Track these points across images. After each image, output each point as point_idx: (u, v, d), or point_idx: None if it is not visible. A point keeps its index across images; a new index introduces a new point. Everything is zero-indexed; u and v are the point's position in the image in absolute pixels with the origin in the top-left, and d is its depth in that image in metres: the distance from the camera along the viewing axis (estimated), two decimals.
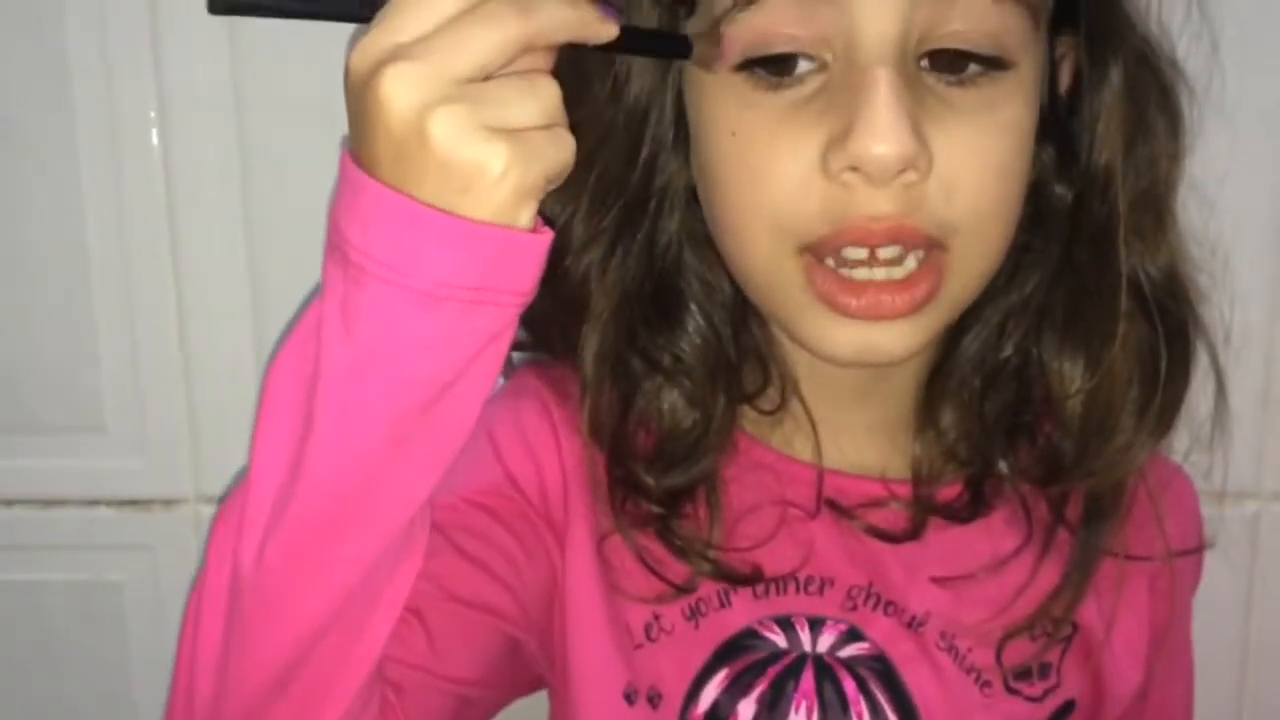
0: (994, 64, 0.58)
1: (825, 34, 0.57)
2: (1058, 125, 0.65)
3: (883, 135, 0.55)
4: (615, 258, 0.66)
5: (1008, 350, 0.68)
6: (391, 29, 0.47)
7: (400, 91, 0.46)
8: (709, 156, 0.62)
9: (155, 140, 0.85)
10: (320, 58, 0.82)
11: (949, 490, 0.69)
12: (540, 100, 0.48)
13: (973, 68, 0.58)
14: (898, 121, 0.55)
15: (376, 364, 0.49)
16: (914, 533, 0.68)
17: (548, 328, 0.69)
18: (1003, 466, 0.68)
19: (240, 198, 0.86)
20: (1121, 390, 0.66)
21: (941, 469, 0.69)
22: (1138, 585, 0.71)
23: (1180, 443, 0.73)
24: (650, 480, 0.66)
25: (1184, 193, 0.69)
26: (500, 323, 0.50)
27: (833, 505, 0.68)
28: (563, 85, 0.50)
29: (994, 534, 0.69)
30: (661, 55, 0.60)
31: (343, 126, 0.82)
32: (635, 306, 0.66)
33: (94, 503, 0.90)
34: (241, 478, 0.55)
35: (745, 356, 0.68)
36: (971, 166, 0.58)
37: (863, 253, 0.59)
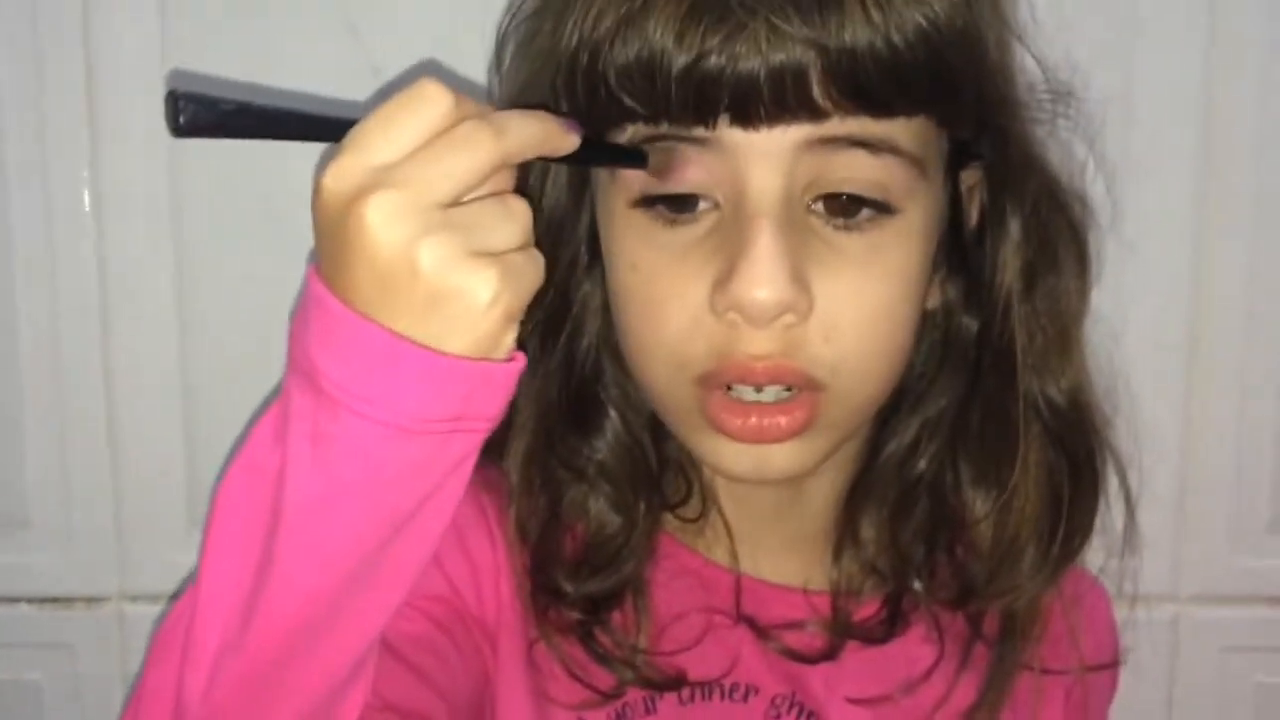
0: (880, 208, 0.60)
1: (719, 179, 0.59)
2: (965, 257, 0.67)
3: (760, 282, 0.57)
4: (538, 365, 0.67)
5: (921, 465, 0.70)
6: (366, 151, 0.47)
7: (386, 222, 0.46)
8: (613, 284, 0.64)
9: (89, 237, 0.85)
10: (262, 156, 0.84)
11: (867, 608, 0.70)
12: (517, 222, 0.49)
13: (862, 212, 0.60)
14: (775, 269, 0.57)
15: (347, 495, 0.49)
16: (830, 654, 0.69)
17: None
18: (918, 585, 0.70)
19: (173, 294, 0.86)
20: (1028, 517, 0.68)
21: (861, 584, 0.70)
22: (1054, 699, 0.72)
23: (1095, 556, 0.74)
24: (570, 587, 0.67)
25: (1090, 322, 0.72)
26: (469, 447, 0.50)
27: (751, 623, 0.69)
28: None
29: (911, 651, 0.70)
30: (618, 166, 0.62)
31: (280, 226, 0.84)
32: (557, 412, 0.67)
33: (15, 600, 0.89)
34: (185, 584, 0.53)
35: (666, 465, 0.70)
36: (852, 310, 0.60)
37: (748, 389, 0.61)
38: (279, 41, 0.84)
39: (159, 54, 0.84)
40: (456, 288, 0.47)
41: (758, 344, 0.59)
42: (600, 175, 0.64)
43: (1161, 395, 0.89)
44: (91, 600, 0.89)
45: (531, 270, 0.49)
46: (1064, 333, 0.68)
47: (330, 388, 0.47)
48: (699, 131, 0.58)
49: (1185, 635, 0.93)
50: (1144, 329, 0.87)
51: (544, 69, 0.62)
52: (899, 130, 0.59)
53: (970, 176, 0.66)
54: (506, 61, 0.69)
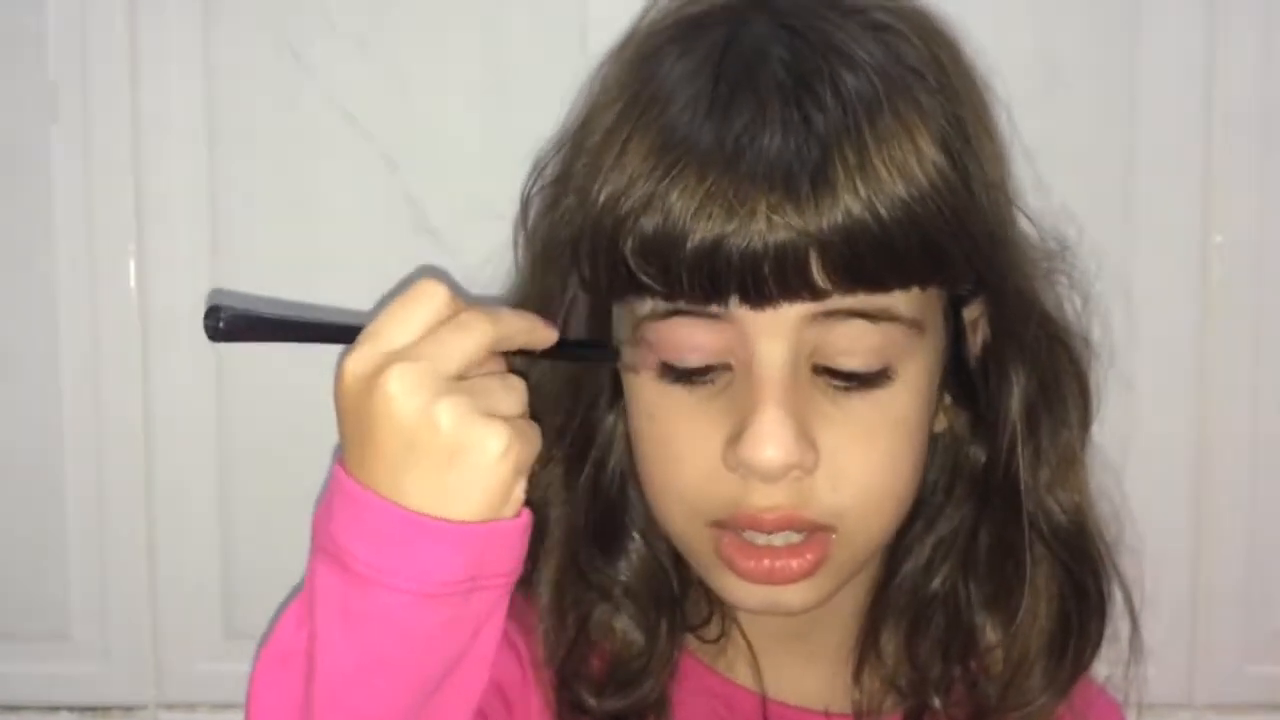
0: (878, 376, 0.63)
1: (731, 347, 0.63)
2: (971, 385, 0.70)
3: (767, 443, 0.61)
4: (566, 491, 0.70)
5: (936, 584, 0.71)
6: (382, 339, 0.53)
7: (407, 390, 0.52)
8: (632, 428, 0.67)
9: (134, 357, 0.89)
10: (299, 281, 0.88)
11: None
12: (517, 393, 0.55)
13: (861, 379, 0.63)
14: (782, 431, 0.61)
15: (380, 664, 0.53)
16: None
17: None
18: (936, 702, 0.71)
19: (213, 414, 0.90)
20: (1037, 638, 0.70)
21: (882, 700, 0.72)
22: None
23: (1103, 666, 0.76)
24: (594, 703, 0.69)
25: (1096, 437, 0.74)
26: (490, 602, 0.54)
27: None
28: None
29: None
30: (592, 362, 0.68)
31: (314, 349, 0.87)
32: (584, 536, 0.70)
33: (56, 708, 0.91)
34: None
35: (688, 587, 0.72)
36: (858, 461, 0.63)
37: (760, 535, 0.64)
38: (318, 174, 0.89)
39: (207, 188, 0.88)
40: (473, 440, 0.52)
41: (768, 497, 0.62)
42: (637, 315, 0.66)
43: (1171, 508, 0.91)
44: (129, 709, 0.91)
45: (534, 434, 0.55)
46: (1067, 461, 0.71)
47: (359, 566, 0.52)
48: (712, 308, 0.61)
49: None
50: (1152, 442, 0.90)
51: (566, 238, 0.66)
52: (897, 299, 0.62)
53: (973, 310, 0.69)
54: (531, 220, 0.72)
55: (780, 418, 0.61)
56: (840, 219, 0.59)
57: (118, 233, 0.89)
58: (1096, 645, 0.72)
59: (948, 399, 0.69)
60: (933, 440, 0.69)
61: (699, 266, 0.60)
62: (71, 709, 0.91)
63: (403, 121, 0.89)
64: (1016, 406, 0.68)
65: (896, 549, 0.71)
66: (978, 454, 0.71)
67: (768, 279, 0.60)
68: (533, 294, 0.70)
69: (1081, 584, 0.71)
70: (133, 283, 0.89)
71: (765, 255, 0.59)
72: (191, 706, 0.91)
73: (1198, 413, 0.91)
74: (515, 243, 0.73)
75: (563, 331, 0.60)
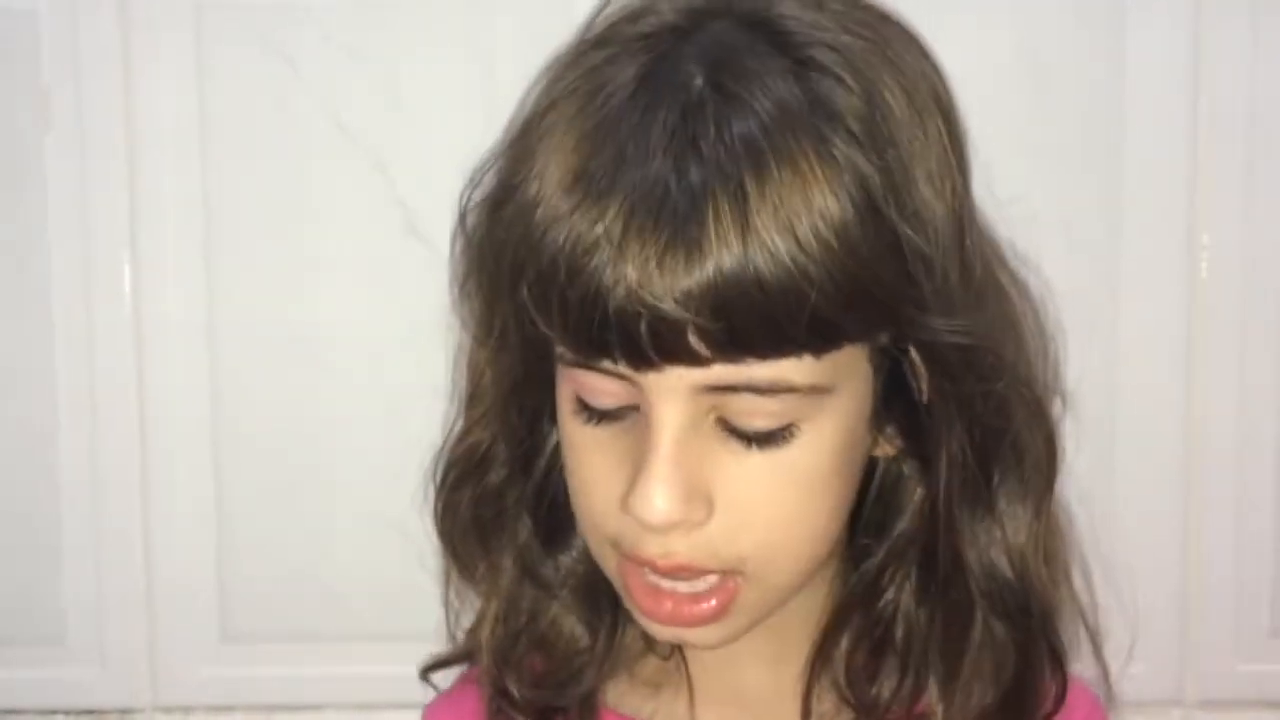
0: (781, 434, 0.59)
1: (632, 396, 0.59)
2: (917, 423, 0.64)
3: (651, 501, 0.58)
4: (517, 490, 0.69)
5: (890, 593, 0.67)
6: None
7: None
8: (560, 442, 0.65)
9: (129, 361, 0.90)
10: (294, 285, 0.88)
11: None
12: None
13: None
14: (667, 490, 0.58)
15: None
16: None
17: (469, 549, 0.72)
18: None
19: (209, 417, 0.90)
20: (976, 700, 0.66)
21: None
22: None
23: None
24: (528, 696, 0.68)
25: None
26: None
27: None
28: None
29: None
30: None
31: (311, 351, 0.88)
32: (532, 534, 0.69)
33: (52, 712, 0.92)
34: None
35: None
36: (758, 514, 0.60)
37: (663, 580, 0.61)
38: (311, 180, 0.89)
39: (200, 191, 0.89)
40: None
41: (660, 546, 0.60)
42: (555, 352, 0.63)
43: (1162, 506, 0.92)
44: (125, 712, 0.92)
45: None
46: (1016, 517, 0.65)
47: None
48: (605, 365, 0.58)
49: None
50: (1139, 445, 0.90)
51: (488, 264, 0.63)
52: (788, 369, 0.57)
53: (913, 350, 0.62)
54: (469, 230, 0.67)
55: (668, 475, 0.58)
56: (710, 277, 0.54)
57: (112, 237, 0.89)
58: (1040, 708, 0.68)
59: (890, 430, 0.64)
60: (873, 460, 0.65)
61: (581, 323, 0.56)
62: (68, 713, 0.92)
63: (394, 127, 0.89)
64: (952, 457, 0.63)
65: (854, 547, 0.68)
66: (918, 490, 0.66)
67: (647, 344, 0.55)
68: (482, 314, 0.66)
69: (1026, 652, 0.66)
70: (128, 287, 0.90)
71: (642, 321, 0.55)
72: (187, 710, 0.92)
73: (1186, 410, 0.91)
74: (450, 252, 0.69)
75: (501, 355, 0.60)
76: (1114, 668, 0.78)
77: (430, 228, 0.89)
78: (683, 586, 0.61)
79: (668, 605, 0.62)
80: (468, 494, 0.70)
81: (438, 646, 0.76)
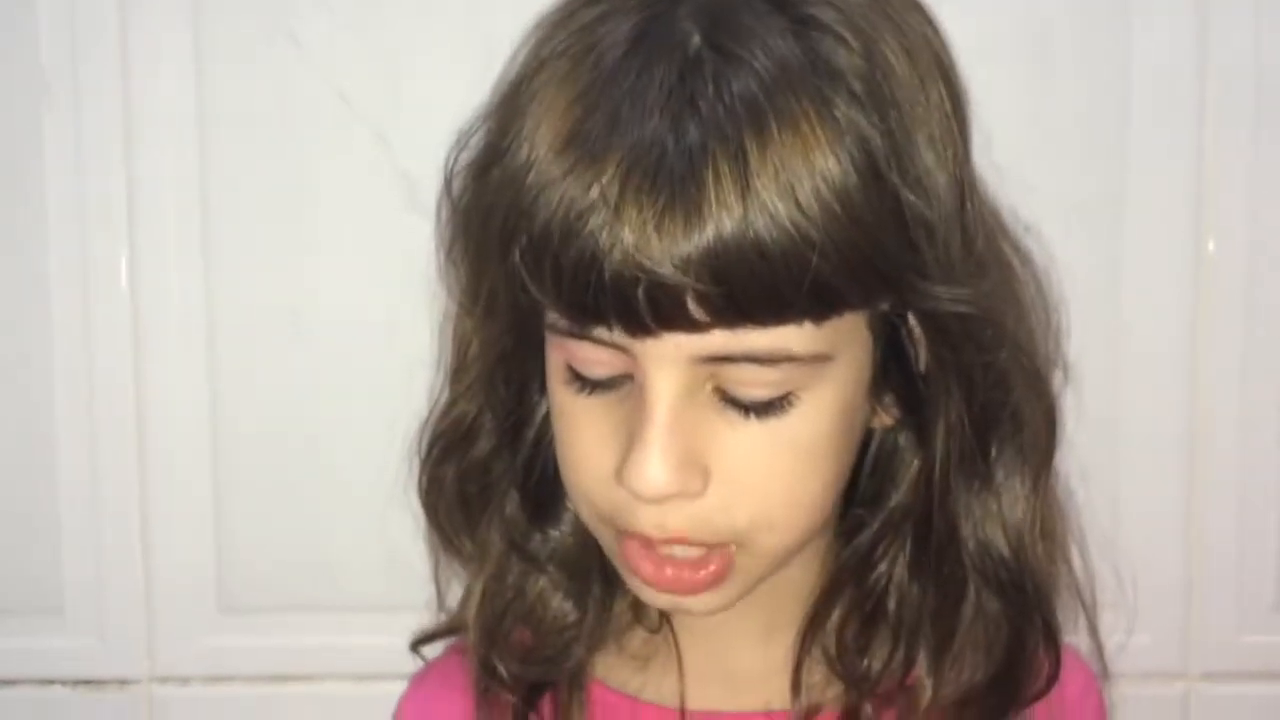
0: (780, 403, 0.58)
1: (627, 365, 0.58)
2: (916, 393, 0.63)
3: (645, 472, 0.57)
4: (505, 463, 0.68)
5: (883, 566, 0.67)
6: None
7: None
8: (550, 412, 0.64)
9: (126, 346, 0.89)
10: (291, 270, 0.88)
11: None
12: None
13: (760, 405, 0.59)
14: (661, 461, 0.57)
15: None
16: None
17: (454, 523, 0.71)
18: (868, 709, 0.67)
19: (206, 395, 0.90)
20: (967, 675, 0.66)
21: (823, 691, 0.67)
22: None
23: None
24: (515, 671, 0.68)
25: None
26: None
27: None
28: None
29: None
30: None
31: (309, 335, 0.88)
32: (521, 507, 0.68)
33: (50, 682, 0.92)
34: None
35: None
36: (754, 485, 0.59)
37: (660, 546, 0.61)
38: (312, 154, 0.88)
39: (197, 167, 0.88)
40: None
41: (654, 518, 0.59)
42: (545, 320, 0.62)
43: (1166, 480, 0.91)
44: (123, 683, 0.92)
45: None
46: (1013, 490, 0.65)
47: None
48: (599, 333, 0.57)
49: (1195, 713, 0.94)
50: (1144, 416, 0.90)
51: (475, 229, 0.62)
52: (789, 336, 0.56)
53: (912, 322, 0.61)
54: (455, 193, 0.66)
55: (663, 446, 0.57)
56: (710, 241, 0.53)
57: (110, 210, 0.88)
58: (1032, 684, 0.68)
59: (889, 399, 0.64)
60: (868, 431, 0.65)
61: (576, 289, 0.55)
62: (65, 682, 0.92)
63: (396, 100, 0.88)
64: (950, 428, 0.63)
65: (847, 519, 0.67)
66: (914, 461, 0.66)
67: (644, 311, 0.54)
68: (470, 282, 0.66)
69: (1019, 628, 0.66)
70: (124, 267, 0.89)
71: (640, 287, 0.54)
72: (185, 680, 0.92)
73: (1190, 382, 0.90)
74: (438, 213, 0.68)
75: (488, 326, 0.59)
76: (1115, 640, 0.78)
77: (433, 201, 0.87)
78: (679, 551, 0.61)
79: (668, 572, 0.61)
80: (453, 467, 0.69)
81: (435, 618, 0.76)
